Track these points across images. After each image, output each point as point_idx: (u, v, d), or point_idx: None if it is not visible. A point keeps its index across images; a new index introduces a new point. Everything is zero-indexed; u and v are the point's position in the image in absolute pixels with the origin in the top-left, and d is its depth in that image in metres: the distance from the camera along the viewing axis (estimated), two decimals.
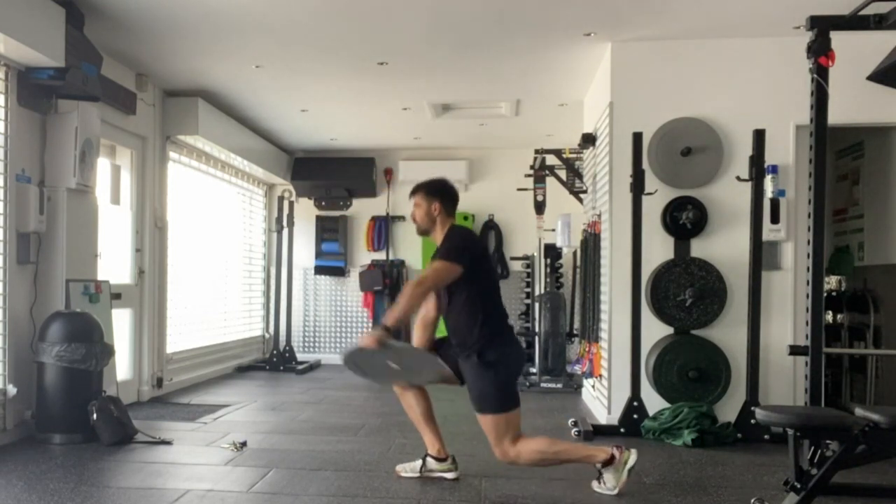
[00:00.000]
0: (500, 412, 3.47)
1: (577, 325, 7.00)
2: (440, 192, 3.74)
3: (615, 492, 3.45)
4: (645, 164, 4.90)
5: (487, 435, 3.52)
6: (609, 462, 3.46)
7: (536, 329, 7.17)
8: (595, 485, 3.53)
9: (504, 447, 3.48)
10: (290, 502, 3.36)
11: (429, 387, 3.78)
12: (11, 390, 4.37)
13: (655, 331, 4.99)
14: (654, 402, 4.84)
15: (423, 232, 3.76)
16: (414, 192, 3.77)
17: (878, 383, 5.32)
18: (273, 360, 8.32)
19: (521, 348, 3.74)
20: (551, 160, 7.06)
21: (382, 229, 9.04)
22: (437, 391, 3.82)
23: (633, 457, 3.46)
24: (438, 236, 3.69)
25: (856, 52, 4.51)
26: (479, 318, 3.53)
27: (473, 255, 3.59)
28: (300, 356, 8.82)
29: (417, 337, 3.80)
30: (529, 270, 7.97)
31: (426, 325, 3.79)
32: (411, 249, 8.98)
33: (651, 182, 4.92)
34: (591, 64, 5.64)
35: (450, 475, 3.72)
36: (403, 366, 3.48)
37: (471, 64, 5.74)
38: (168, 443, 4.51)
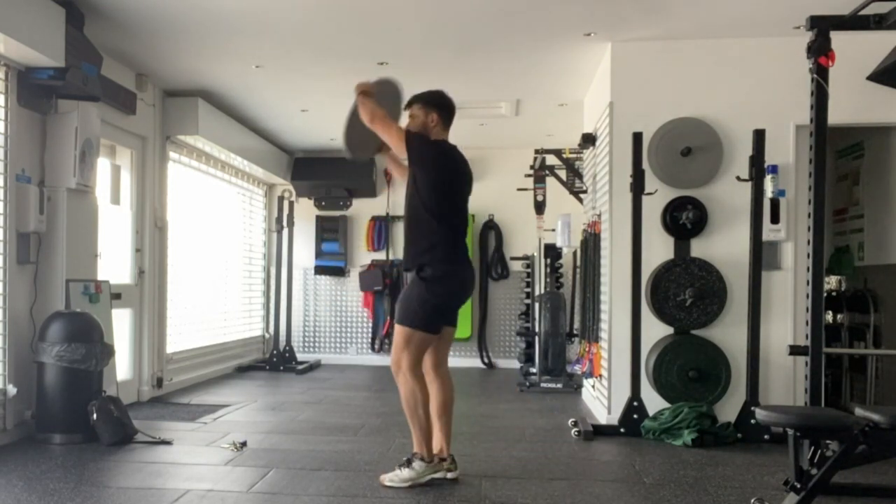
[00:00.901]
0: (412, 327, 3.55)
1: (577, 325, 7.01)
2: (438, 104, 3.72)
3: (404, 485, 3.51)
4: (645, 164, 4.90)
5: (393, 343, 3.64)
6: (426, 460, 3.55)
7: (536, 329, 7.17)
8: (388, 475, 3.59)
9: (400, 360, 3.59)
10: (290, 502, 3.36)
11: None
12: (11, 390, 4.37)
13: (655, 331, 4.99)
14: (654, 402, 4.84)
15: None
16: (411, 102, 3.73)
17: (878, 383, 5.32)
18: (273, 360, 8.32)
19: (467, 277, 3.69)
20: (551, 160, 7.06)
21: (382, 229, 9.04)
22: None
23: (441, 474, 3.59)
24: None
25: (856, 52, 4.52)
26: (426, 234, 3.59)
27: (428, 162, 3.60)
28: (300, 356, 8.82)
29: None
30: (529, 270, 7.97)
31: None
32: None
33: (651, 182, 4.92)
34: (591, 64, 5.64)
35: (450, 475, 3.71)
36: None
37: (471, 64, 5.74)
38: (168, 443, 4.51)
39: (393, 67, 5.77)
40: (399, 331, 3.61)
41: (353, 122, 3.79)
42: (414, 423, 3.62)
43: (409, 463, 3.58)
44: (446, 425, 3.74)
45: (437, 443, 3.73)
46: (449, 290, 3.63)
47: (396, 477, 3.57)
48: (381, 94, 3.81)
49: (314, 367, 8.57)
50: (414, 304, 3.57)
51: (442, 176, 3.67)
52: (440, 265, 3.58)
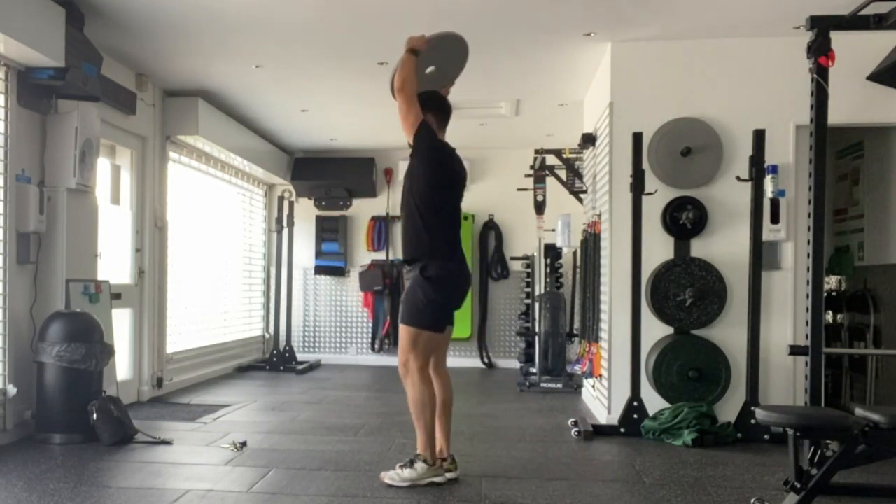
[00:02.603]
0: (418, 327, 3.56)
1: (577, 325, 7.01)
2: (434, 105, 3.75)
3: (404, 484, 3.51)
4: (645, 164, 4.90)
5: (399, 343, 3.63)
6: (429, 463, 3.55)
7: (536, 329, 7.17)
8: (389, 472, 3.59)
9: (407, 359, 3.59)
10: (290, 502, 3.36)
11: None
12: (11, 390, 4.37)
13: (655, 331, 4.99)
14: (654, 402, 4.84)
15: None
16: None
17: (878, 383, 5.32)
18: (273, 360, 8.32)
19: (466, 275, 3.73)
20: (551, 160, 7.06)
21: (382, 229, 9.04)
22: None
23: (441, 478, 3.58)
24: None
25: (856, 52, 4.52)
26: (424, 232, 3.59)
27: (428, 153, 3.62)
28: (300, 356, 8.82)
29: None
30: (529, 270, 7.97)
31: None
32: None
33: (651, 182, 4.92)
34: (591, 64, 5.64)
35: (450, 475, 3.71)
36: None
37: (471, 64, 5.69)
38: (168, 443, 4.51)
39: (393, 67, 5.77)
40: (405, 332, 3.61)
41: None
42: (420, 424, 3.61)
43: (411, 463, 3.58)
44: (446, 425, 3.74)
45: (438, 443, 3.73)
46: (453, 288, 3.65)
47: (397, 476, 3.57)
48: (433, 57, 3.82)
49: (314, 367, 8.57)
50: (420, 304, 3.57)
51: (441, 174, 3.69)
52: (442, 263, 3.60)
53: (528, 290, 7.99)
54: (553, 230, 7.38)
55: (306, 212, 9.11)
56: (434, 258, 3.59)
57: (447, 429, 3.75)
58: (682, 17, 4.72)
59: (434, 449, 3.63)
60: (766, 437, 4.59)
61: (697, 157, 5.03)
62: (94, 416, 4.42)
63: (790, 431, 2.89)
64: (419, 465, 3.56)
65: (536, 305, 7.29)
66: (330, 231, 9.15)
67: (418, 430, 3.63)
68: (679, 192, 5.05)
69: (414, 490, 3.53)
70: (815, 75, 3.36)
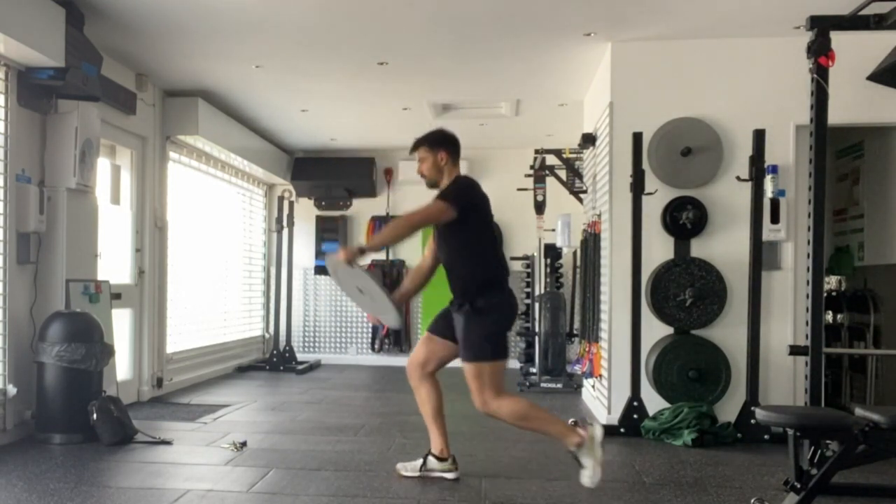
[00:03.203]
0: (483, 361, 3.49)
1: (577, 325, 7.00)
2: (444, 142, 3.73)
3: (598, 473, 3.41)
4: (645, 164, 4.91)
5: (469, 384, 3.52)
6: (581, 444, 3.45)
7: (536, 329, 7.17)
8: (583, 478, 3.48)
9: (484, 398, 3.49)
10: (290, 502, 3.36)
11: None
12: (11, 390, 4.37)
13: (655, 331, 4.99)
14: (654, 402, 4.84)
15: (433, 184, 3.72)
16: (417, 145, 3.75)
17: (878, 383, 5.32)
18: (273, 360, 8.32)
19: (515, 301, 3.67)
20: (551, 160, 7.06)
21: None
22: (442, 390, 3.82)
23: (597, 430, 3.47)
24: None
25: (856, 52, 4.51)
26: (473, 267, 3.55)
27: (472, 201, 3.58)
28: (300, 356, 8.82)
29: (406, 281, 3.87)
30: (529, 270, 7.97)
31: (418, 274, 3.84)
32: (411, 249, 8.98)
33: (651, 182, 4.92)
34: (591, 64, 5.64)
35: (450, 475, 3.71)
36: (367, 297, 3.58)
37: (471, 64, 5.74)
38: (168, 443, 4.51)
39: (393, 67, 5.78)
40: (469, 371, 3.51)
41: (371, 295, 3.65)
42: (537, 426, 3.55)
43: (577, 461, 3.47)
44: (444, 426, 3.75)
45: (438, 443, 3.74)
46: (505, 315, 3.59)
47: (588, 479, 3.44)
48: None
49: (314, 367, 8.57)
50: (477, 339, 3.50)
51: (486, 208, 3.67)
52: (494, 293, 3.56)
53: (528, 290, 7.99)
54: (553, 230, 7.39)
55: (306, 212, 9.11)
56: (487, 291, 3.54)
57: (445, 429, 3.76)
58: (682, 17, 4.72)
59: (569, 432, 3.51)
60: (766, 437, 4.59)
61: (697, 157, 5.03)
62: (94, 416, 4.42)
63: (790, 431, 2.89)
64: (585, 461, 3.46)
65: (536, 305, 7.29)
66: (330, 231, 9.15)
67: (547, 434, 3.57)
68: (679, 192, 5.05)
69: (414, 489, 3.53)
70: (815, 75, 3.35)
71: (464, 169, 9.13)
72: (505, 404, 3.51)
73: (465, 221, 3.53)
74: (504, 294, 3.61)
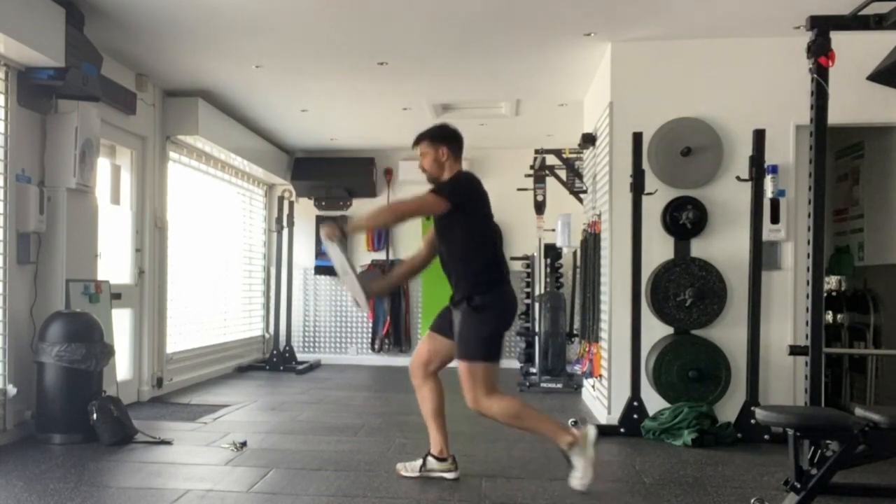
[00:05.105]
0: (476, 360, 3.48)
1: (577, 325, 7.00)
2: (446, 137, 3.71)
3: (588, 475, 3.42)
4: (645, 164, 4.90)
5: (462, 382, 3.52)
6: (573, 444, 3.45)
7: (536, 329, 7.17)
8: (572, 479, 3.50)
9: (476, 396, 3.49)
10: (290, 502, 3.36)
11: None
12: (11, 390, 4.37)
13: (655, 331, 4.99)
14: (654, 402, 4.84)
15: (434, 180, 3.69)
16: (418, 140, 3.72)
17: (878, 383, 5.31)
18: (273, 360, 8.32)
19: (513, 299, 3.64)
20: (551, 160, 7.06)
21: (382, 230, 9.03)
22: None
23: (591, 430, 3.47)
24: None
25: (856, 52, 4.52)
26: (471, 264, 3.54)
27: (469, 197, 3.57)
28: (300, 356, 8.82)
29: (395, 270, 3.90)
30: (529, 270, 7.96)
31: (408, 267, 3.88)
32: (411, 249, 8.97)
33: (651, 182, 4.92)
34: (591, 64, 5.64)
35: (450, 475, 3.71)
36: (348, 275, 3.69)
37: (471, 64, 5.74)
38: (168, 443, 4.51)
39: (393, 67, 5.78)
40: (463, 368, 3.51)
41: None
42: (531, 426, 3.56)
43: (568, 461, 3.48)
44: (443, 426, 3.74)
45: (438, 443, 3.74)
46: (502, 313, 3.58)
47: (578, 482, 3.47)
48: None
49: (314, 367, 8.57)
50: (472, 338, 3.50)
51: (484, 205, 3.65)
52: (492, 291, 3.54)
53: (528, 290, 7.99)
54: (553, 230, 7.38)
55: (306, 212, 9.11)
56: (484, 289, 3.52)
57: (445, 429, 3.75)
58: (682, 17, 4.72)
59: (562, 431, 3.52)
60: (766, 437, 4.59)
61: (697, 157, 5.03)
62: (94, 416, 4.42)
63: (790, 431, 2.89)
64: (577, 461, 3.47)
65: (536, 305, 7.29)
66: None
67: (540, 433, 3.58)
68: (679, 192, 5.05)
69: (414, 489, 3.53)
70: (815, 75, 3.35)
71: (464, 169, 9.13)
72: (496, 403, 3.51)
73: (462, 217, 3.52)
74: (502, 292, 3.59)
